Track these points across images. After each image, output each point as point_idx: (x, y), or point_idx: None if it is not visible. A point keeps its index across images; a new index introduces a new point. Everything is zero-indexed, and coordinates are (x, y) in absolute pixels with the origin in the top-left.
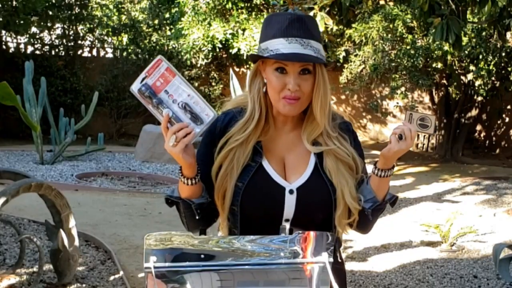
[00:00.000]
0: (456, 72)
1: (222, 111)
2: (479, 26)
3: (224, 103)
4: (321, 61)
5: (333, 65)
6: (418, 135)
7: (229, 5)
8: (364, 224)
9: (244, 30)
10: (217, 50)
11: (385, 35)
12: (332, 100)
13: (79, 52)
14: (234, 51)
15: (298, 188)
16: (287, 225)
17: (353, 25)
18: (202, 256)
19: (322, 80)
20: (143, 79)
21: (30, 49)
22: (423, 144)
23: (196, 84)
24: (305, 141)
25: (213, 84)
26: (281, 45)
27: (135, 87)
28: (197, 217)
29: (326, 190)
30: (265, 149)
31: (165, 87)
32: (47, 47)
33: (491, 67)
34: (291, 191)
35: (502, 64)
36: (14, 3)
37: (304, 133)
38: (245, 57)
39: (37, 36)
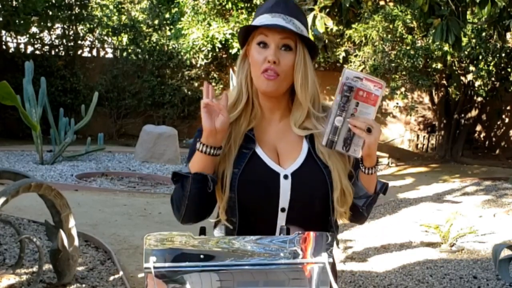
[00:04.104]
0: (456, 72)
1: None
2: (479, 26)
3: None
4: (301, 34)
5: (331, 65)
6: (418, 136)
7: (229, 5)
8: (359, 217)
9: None
10: (217, 50)
11: (385, 35)
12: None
13: (79, 52)
14: (234, 51)
15: (293, 173)
16: (284, 216)
17: (353, 26)
18: (202, 256)
19: (302, 58)
20: (358, 77)
21: (30, 49)
22: (423, 145)
23: (196, 84)
24: (293, 126)
25: (213, 84)
26: (264, 19)
27: (348, 72)
28: (209, 191)
29: (321, 174)
30: (257, 139)
31: (360, 101)
32: (47, 47)
33: (491, 67)
34: (285, 176)
35: (502, 65)
36: (14, 3)
37: (292, 118)
38: None
39: (37, 36)
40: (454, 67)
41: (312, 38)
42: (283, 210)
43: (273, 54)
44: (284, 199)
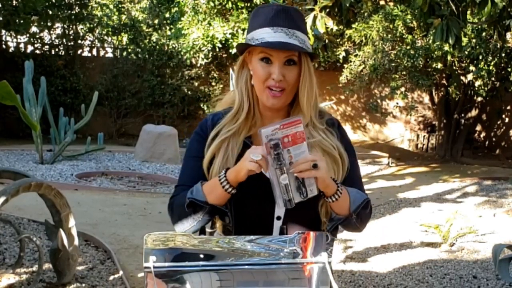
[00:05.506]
0: (456, 72)
1: (211, 112)
2: (479, 26)
3: (218, 101)
4: (306, 50)
5: (333, 65)
6: (418, 136)
7: (229, 5)
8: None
9: (244, 30)
10: (217, 50)
11: (385, 35)
12: (332, 100)
13: (79, 52)
14: (234, 51)
15: None
16: (279, 223)
17: (353, 25)
18: (202, 256)
19: (307, 71)
20: (275, 129)
21: (30, 48)
22: (423, 145)
23: (196, 84)
24: None
25: (213, 84)
26: (266, 34)
27: (264, 131)
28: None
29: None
30: (255, 145)
31: (290, 146)
32: (47, 46)
33: (491, 67)
34: None
35: (502, 65)
36: (14, 2)
37: None
38: None
39: (37, 36)
40: (454, 67)
41: (311, 36)
42: (278, 218)
43: (279, 73)
44: (280, 208)
